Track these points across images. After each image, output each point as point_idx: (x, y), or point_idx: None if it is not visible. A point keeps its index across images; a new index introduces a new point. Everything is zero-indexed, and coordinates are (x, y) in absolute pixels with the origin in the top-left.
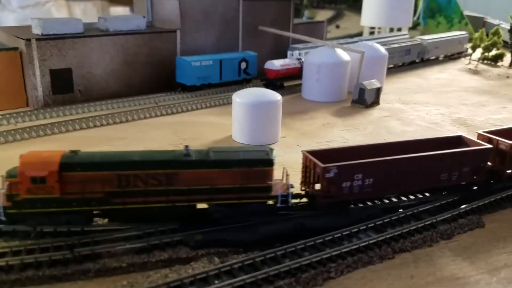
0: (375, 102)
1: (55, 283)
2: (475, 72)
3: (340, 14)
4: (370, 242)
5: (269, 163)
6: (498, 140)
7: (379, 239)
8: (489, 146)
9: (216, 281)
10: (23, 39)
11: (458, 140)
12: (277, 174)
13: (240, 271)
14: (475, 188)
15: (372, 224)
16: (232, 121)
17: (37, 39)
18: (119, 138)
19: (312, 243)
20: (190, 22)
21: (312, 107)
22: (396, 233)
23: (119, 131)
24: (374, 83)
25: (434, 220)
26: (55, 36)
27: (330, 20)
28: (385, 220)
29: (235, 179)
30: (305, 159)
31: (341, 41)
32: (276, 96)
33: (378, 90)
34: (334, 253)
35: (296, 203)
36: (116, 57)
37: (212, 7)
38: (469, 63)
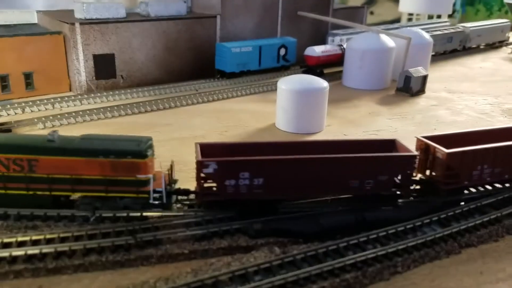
0: (421, 91)
1: (118, 269)
2: None
3: (372, 0)
4: (436, 236)
5: (139, 154)
6: (435, 147)
7: (445, 233)
8: (413, 153)
9: (281, 271)
10: (67, 23)
11: (391, 145)
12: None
13: (303, 262)
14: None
15: (436, 218)
16: (275, 109)
17: (81, 23)
18: (164, 124)
19: (375, 236)
20: (230, 7)
21: (355, 95)
22: (461, 227)
23: (163, 117)
24: (420, 71)
25: (499, 214)
26: (98, 20)
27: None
28: (449, 214)
29: (103, 170)
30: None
31: (382, 27)
32: (323, 83)
33: (424, 78)
34: (400, 247)
35: (178, 200)
36: (157, 42)
37: None
38: None
